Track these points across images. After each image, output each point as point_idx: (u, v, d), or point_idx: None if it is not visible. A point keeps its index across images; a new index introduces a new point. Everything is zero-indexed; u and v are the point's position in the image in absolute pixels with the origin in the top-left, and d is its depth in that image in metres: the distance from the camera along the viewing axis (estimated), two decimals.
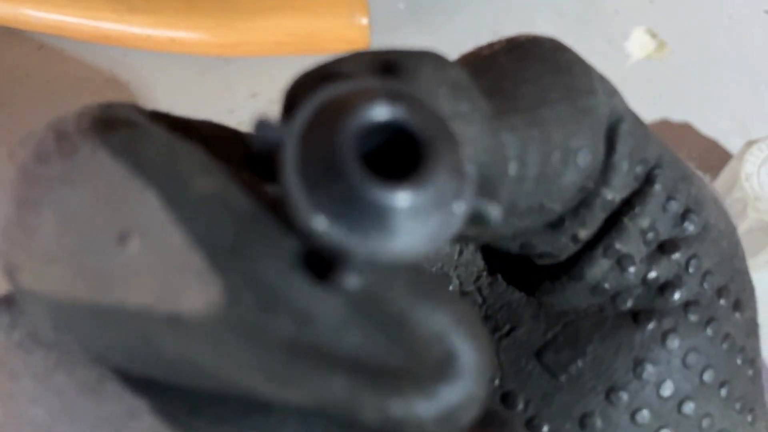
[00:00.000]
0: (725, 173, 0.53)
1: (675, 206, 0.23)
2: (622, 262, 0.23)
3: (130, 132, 0.16)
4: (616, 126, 0.22)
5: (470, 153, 0.18)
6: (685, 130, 0.62)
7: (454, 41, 0.65)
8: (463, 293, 0.25)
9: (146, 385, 0.17)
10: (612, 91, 0.22)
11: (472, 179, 0.16)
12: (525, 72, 0.20)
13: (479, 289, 0.25)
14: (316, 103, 0.15)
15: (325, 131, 0.15)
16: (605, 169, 0.22)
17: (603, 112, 0.21)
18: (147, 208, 0.15)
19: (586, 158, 0.20)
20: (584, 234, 0.22)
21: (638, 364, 0.23)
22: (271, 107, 0.60)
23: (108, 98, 0.67)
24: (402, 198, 0.15)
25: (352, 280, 0.15)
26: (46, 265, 0.16)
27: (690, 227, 0.23)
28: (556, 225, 0.22)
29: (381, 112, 0.15)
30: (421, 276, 0.16)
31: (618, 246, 0.23)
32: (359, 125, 0.15)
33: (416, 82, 0.18)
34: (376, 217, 0.15)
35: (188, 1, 0.62)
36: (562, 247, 0.23)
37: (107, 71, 0.64)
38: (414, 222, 0.15)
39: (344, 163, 0.15)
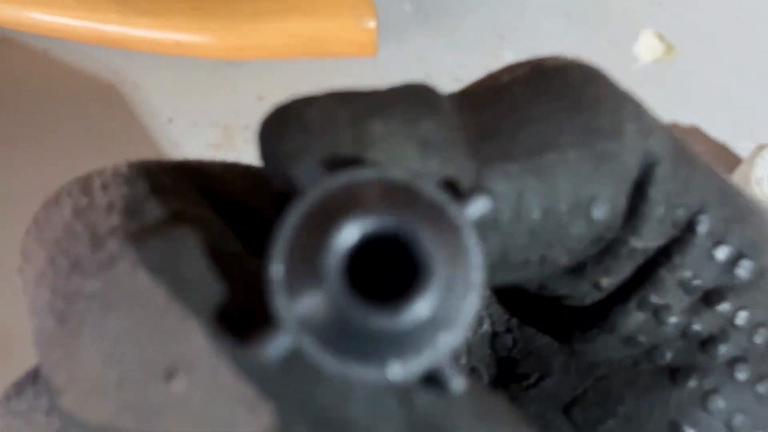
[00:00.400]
0: (735, 177, 0.53)
1: (724, 252, 0.20)
2: (659, 314, 0.20)
3: (166, 245, 0.16)
4: (650, 170, 0.19)
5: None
6: (694, 133, 0.61)
7: (461, 43, 0.64)
8: (495, 334, 0.23)
9: None
10: (649, 130, 0.19)
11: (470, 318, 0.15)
12: (535, 109, 0.18)
13: (510, 330, 0.23)
14: (307, 203, 0.15)
15: (315, 236, 0.15)
16: (633, 217, 0.19)
17: (630, 157, 0.18)
18: (191, 339, 0.15)
19: (601, 210, 0.18)
20: (608, 282, 0.20)
21: (675, 427, 0.20)
22: None
23: (113, 103, 0.67)
24: (376, 323, 0.14)
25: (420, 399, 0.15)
26: (89, 395, 0.15)
27: (742, 274, 0.20)
28: (575, 270, 0.20)
29: (373, 225, 0.15)
30: (486, 403, 0.16)
31: (654, 299, 0.20)
32: (348, 244, 0.15)
33: (382, 152, 0.17)
34: (346, 338, 0.14)
35: (194, 4, 0.61)
36: (584, 293, 0.21)
37: (112, 74, 0.64)
38: (395, 350, 0.15)
39: (327, 266, 0.14)
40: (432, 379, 0.15)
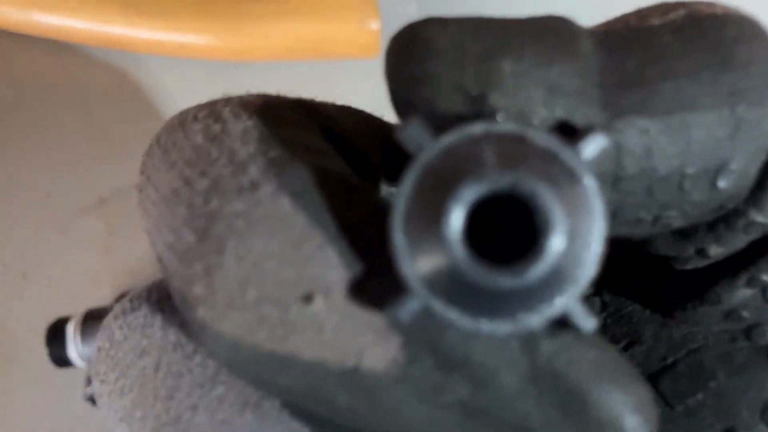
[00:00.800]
0: None
1: None
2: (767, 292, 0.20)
3: (304, 173, 0.17)
4: None
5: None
6: None
7: None
8: (584, 296, 0.23)
9: (307, 414, 0.17)
10: None
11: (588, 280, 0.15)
12: (683, 62, 0.17)
13: (599, 293, 0.23)
14: (431, 155, 0.15)
15: (433, 203, 0.15)
16: (760, 190, 0.18)
17: None
18: (329, 265, 0.16)
19: (729, 179, 0.17)
20: (716, 252, 0.20)
21: None
22: None
23: (118, 104, 0.67)
24: (503, 282, 0.15)
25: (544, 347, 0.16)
26: (227, 309, 0.16)
27: None
28: (685, 233, 0.20)
29: (489, 187, 0.15)
30: (605, 354, 0.16)
31: (765, 277, 0.19)
32: (465, 209, 0.15)
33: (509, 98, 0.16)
34: (473, 296, 0.15)
35: (198, 6, 0.61)
36: (688, 257, 0.20)
37: (117, 77, 0.64)
38: (523, 303, 0.15)
39: (448, 236, 0.15)
40: (561, 324, 0.16)
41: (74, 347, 0.53)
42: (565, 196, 0.15)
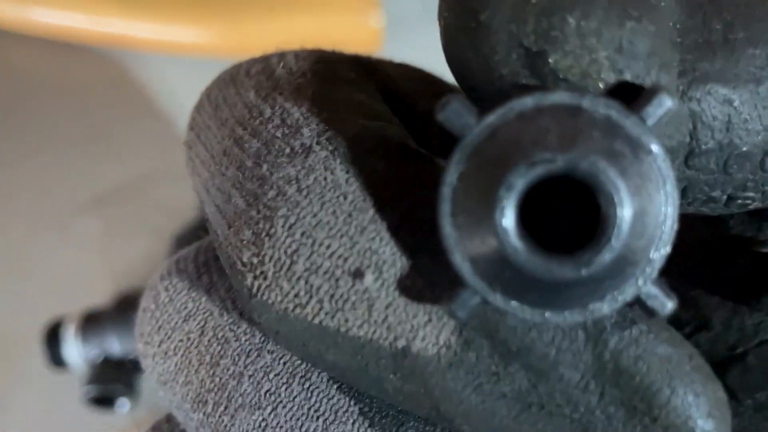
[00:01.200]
0: None
1: None
2: None
3: (359, 139, 0.16)
4: None
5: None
6: None
7: None
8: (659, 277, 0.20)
9: (356, 390, 0.17)
10: None
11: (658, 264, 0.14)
12: None
13: (668, 273, 0.20)
14: (486, 129, 0.14)
15: (486, 180, 0.14)
16: None
17: None
18: (382, 241, 0.15)
19: None
20: None
21: None
22: None
23: (116, 104, 0.66)
24: (568, 274, 0.14)
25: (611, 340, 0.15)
26: (276, 278, 0.15)
27: None
28: (763, 213, 0.18)
29: (542, 171, 0.13)
30: (678, 351, 0.15)
31: None
32: (516, 197, 0.13)
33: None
34: (536, 286, 0.14)
35: (196, 4, 0.61)
36: (766, 239, 0.19)
37: (116, 75, 0.64)
38: (590, 292, 0.14)
39: (501, 230, 0.13)
40: (636, 306, 0.14)
41: (74, 349, 0.53)
42: (631, 170, 0.13)
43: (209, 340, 0.17)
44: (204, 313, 0.18)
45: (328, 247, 0.15)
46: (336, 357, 0.15)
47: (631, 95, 0.14)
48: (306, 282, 0.15)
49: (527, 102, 0.14)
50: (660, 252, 0.14)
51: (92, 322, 0.53)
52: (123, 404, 0.52)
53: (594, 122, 0.14)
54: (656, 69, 0.15)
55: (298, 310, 0.15)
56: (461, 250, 0.14)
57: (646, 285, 0.14)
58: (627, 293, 0.14)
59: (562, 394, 0.15)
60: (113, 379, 0.52)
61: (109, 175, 0.61)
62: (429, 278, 0.15)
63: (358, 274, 0.15)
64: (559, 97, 0.14)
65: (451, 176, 0.14)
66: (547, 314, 0.14)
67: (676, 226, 0.14)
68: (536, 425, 0.15)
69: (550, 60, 0.14)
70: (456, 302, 0.14)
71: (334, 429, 0.16)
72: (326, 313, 0.15)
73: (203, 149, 0.18)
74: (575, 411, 0.15)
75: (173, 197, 0.58)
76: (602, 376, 0.15)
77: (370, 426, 0.16)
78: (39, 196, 0.61)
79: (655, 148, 0.14)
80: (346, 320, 0.15)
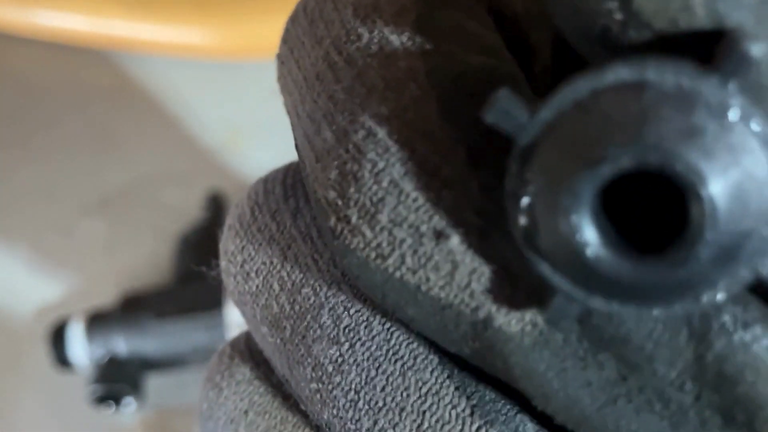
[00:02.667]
0: None
1: None
2: None
3: (459, 86, 0.14)
4: None
5: None
6: None
7: None
8: None
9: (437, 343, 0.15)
10: None
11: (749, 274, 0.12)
12: None
13: None
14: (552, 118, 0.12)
15: (554, 177, 0.12)
16: None
17: None
18: (471, 200, 0.14)
19: None
20: None
21: None
22: (284, 111, 0.59)
23: (119, 106, 0.66)
24: (660, 277, 0.12)
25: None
26: (359, 224, 0.14)
27: None
28: None
29: (622, 165, 0.11)
30: None
31: None
32: (590, 194, 0.12)
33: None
34: (642, 289, 0.12)
35: (199, 6, 0.61)
36: None
37: (120, 77, 0.64)
38: (685, 289, 0.12)
39: (576, 242, 0.12)
40: (750, 308, 0.13)
41: (79, 348, 0.53)
42: (717, 146, 0.11)
43: (291, 266, 0.16)
44: (288, 238, 0.17)
45: (415, 200, 0.14)
46: (415, 313, 0.14)
47: (710, 46, 0.12)
48: (390, 233, 0.14)
49: (581, 87, 0.12)
50: (762, 241, 0.12)
51: (98, 322, 0.53)
52: (128, 403, 0.52)
53: (663, 97, 0.12)
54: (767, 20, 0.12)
55: (379, 261, 0.14)
56: (540, 260, 0.12)
57: (764, 262, 0.12)
58: (742, 276, 0.12)
59: (654, 390, 0.14)
60: (119, 379, 0.52)
61: (113, 176, 0.61)
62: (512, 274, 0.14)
63: (443, 234, 0.14)
64: (616, 74, 0.12)
65: (512, 183, 0.12)
66: (656, 311, 0.12)
67: None
68: (620, 420, 0.14)
69: (629, 2, 0.12)
70: (551, 310, 0.13)
71: (411, 375, 0.15)
72: (408, 269, 0.14)
73: (296, 67, 0.17)
74: (666, 408, 0.14)
75: (178, 199, 0.59)
76: (702, 378, 0.13)
77: (449, 377, 0.15)
78: (44, 198, 0.61)
79: (744, 111, 0.11)
80: (428, 279, 0.14)
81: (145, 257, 0.58)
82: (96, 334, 0.53)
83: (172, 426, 0.54)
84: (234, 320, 0.51)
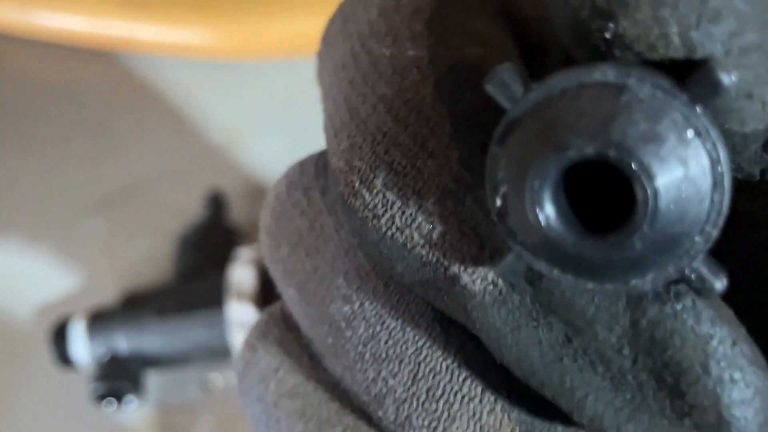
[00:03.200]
0: None
1: None
2: None
3: (457, 71, 0.16)
4: None
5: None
6: None
7: None
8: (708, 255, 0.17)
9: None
10: None
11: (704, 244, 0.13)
12: None
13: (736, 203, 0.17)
14: (531, 107, 0.14)
15: (526, 158, 0.14)
16: None
17: None
18: (448, 167, 0.16)
19: None
20: None
21: None
22: (284, 111, 0.59)
23: (119, 105, 0.67)
24: (607, 255, 0.13)
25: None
26: (359, 188, 0.16)
27: None
28: None
29: (584, 154, 0.13)
30: (723, 330, 0.14)
31: None
32: (555, 174, 0.13)
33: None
34: (579, 260, 0.14)
35: (199, 6, 0.61)
36: None
37: (120, 77, 0.64)
38: (634, 267, 0.14)
39: (537, 213, 0.14)
40: (682, 283, 0.14)
41: (81, 347, 0.53)
42: (672, 156, 0.13)
43: (317, 236, 0.19)
44: (316, 211, 0.19)
45: (404, 167, 0.16)
46: (404, 269, 0.16)
47: (685, 69, 0.13)
48: (383, 196, 0.16)
49: (571, 78, 0.13)
50: (706, 235, 0.13)
51: (99, 321, 0.53)
52: (130, 401, 0.52)
53: (637, 103, 0.13)
54: (736, 51, 0.13)
55: (375, 221, 0.16)
56: (505, 223, 0.14)
57: (690, 265, 0.13)
58: (669, 272, 0.14)
59: (595, 353, 0.15)
60: (120, 377, 0.52)
61: (114, 175, 0.61)
62: (479, 229, 0.15)
63: (425, 197, 0.16)
64: (603, 74, 0.13)
65: (495, 149, 0.14)
66: (590, 285, 0.14)
67: (726, 211, 0.13)
68: (565, 376, 0.15)
69: (615, 26, 0.13)
70: (503, 265, 0.15)
71: (409, 330, 0.17)
72: (397, 228, 0.16)
73: (329, 60, 0.19)
74: (608, 371, 0.15)
75: (179, 197, 0.59)
76: (637, 342, 0.15)
77: (442, 332, 0.17)
78: (45, 197, 0.61)
79: (703, 131, 0.13)
80: (412, 237, 0.16)
81: (146, 256, 0.58)
82: (97, 333, 0.53)
83: (173, 423, 0.55)
84: (235, 318, 0.51)
